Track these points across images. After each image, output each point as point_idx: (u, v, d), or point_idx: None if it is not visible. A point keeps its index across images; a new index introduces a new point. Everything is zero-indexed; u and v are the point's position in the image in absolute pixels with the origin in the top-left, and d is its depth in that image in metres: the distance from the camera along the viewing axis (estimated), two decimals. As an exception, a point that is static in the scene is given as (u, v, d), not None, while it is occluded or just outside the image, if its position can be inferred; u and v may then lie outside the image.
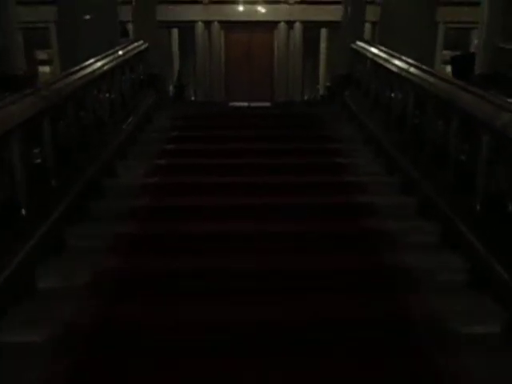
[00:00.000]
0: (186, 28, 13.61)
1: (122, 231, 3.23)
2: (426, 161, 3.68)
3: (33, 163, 2.87)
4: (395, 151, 4.37)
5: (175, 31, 13.76)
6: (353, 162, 4.59)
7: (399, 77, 4.45)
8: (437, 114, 3.54)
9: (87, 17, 8.48)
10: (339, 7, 9.94)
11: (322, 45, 13.93)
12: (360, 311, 2.51)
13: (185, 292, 2.64)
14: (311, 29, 13.66)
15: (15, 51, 6.54)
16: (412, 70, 4.21)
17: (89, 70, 4.11)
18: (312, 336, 2.34)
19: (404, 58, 4.61)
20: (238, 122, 6.22)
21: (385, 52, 5.28)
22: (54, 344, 2.26)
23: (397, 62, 4.65)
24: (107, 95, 4.57)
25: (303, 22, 13.61)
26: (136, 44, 6.20)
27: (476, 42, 11.86)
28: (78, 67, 4.11)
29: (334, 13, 11.58)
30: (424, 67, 4.08)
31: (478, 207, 2.79)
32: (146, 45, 6.44)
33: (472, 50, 11.72)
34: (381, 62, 5.13)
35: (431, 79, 3.74)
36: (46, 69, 11.66)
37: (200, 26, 13.69)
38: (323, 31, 13.84)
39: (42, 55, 11.88)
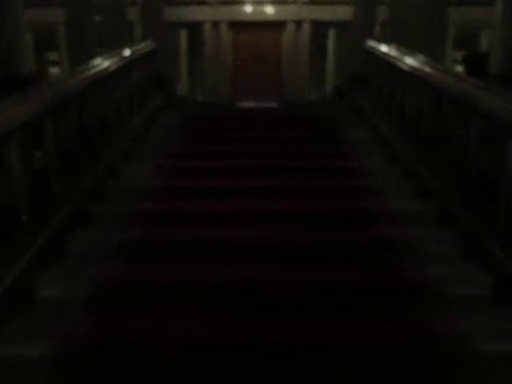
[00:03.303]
0: (194, 29, 13.54)
1: (124, 238, 3.10)
2: (443, 166, 3.52)
3: (33, 167, 2.76)
4: (411, 155, 4.21)
5: (183, 32, 13.70)
6: (366, 165, 4.44)
7: (414, 76, 4.29)
8: (456, 116, 3.38)
9: (97, 18, 8.47)
10: (347, 7, 9.84)
11: (330, 45, 13.80)
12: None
13: (185, 305, 2.50)
14: (319, 29, 13.54)
15: (22, 52, 6.48)
16: (427, 69, 4.05)
17: (94, 70, 4.00)
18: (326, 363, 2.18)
19: (418, 56, 4.45)
20: (247, 123, 6.11)
21: (398, 50, 5.13)
22: (51, 358, 2.14)
23: (411, 60, 4.49)
24: (113, 96, 4.46)
25: (311, 22, 13.50)
26: (143, 44, 6.11)
27: (485, 42, 11.73)
28: (83, 67, 4.01)
29: (342, 13, 11.47)
30: (441, 66, 3.92)
31: (503, 217, 2.63)
32: (154, 45, 6.34)
33: (481, 50, 11.56)
34: (394, 61, 4.97)
35: (449, 79, 3.58)
36: (56, 70, 11.71)
37: (208, 27, 13.62)
38: (331, 31, 13.70)
39: (52, 56, 11.95)
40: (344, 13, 11.14)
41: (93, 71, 3.94)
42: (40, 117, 2.85)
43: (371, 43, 6.18)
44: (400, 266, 2.81)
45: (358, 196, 3.74)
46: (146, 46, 6.08)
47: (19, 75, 5.91)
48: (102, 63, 4.22)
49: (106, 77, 4.19)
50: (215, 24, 13.41)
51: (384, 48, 5.59)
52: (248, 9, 13.16)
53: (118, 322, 2.41)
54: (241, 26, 13.31)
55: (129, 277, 2.75)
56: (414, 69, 4.31)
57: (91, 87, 3.80)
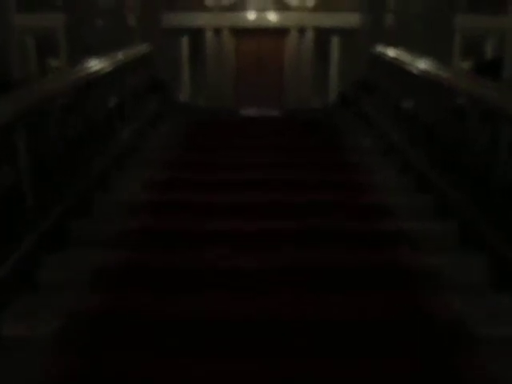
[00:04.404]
0: (197, 35, 13.36)
1: (107, 263, 2.75)
2: (464, 178, 3.17)
3: (3, 180, 2.42)
4: (426, 165, 3.85)
5: (185, 38, 13.54)
6: (376, 177, 4.09)
7: (429, 81, 3.95)
8: (479, 122, 3.04)
9: (100, 23, 8.29)
10: (351, 14, 9.63)
11: (334, 51, 13.59)
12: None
13: (170, 348, 2.13)
14: (322, 35, 13.35)
15: (12, 57, 6.25)
16: (445, 73, 3.72)
17: (80, 73, 3.68)
18: None
19: (432, 60, 4.13)
20: (249, 131, 5.81)
21: (410, 55, 4.81)
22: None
23: (425, 65, 4.17)
24: (103, 101, 4.14)
25: (314, 29, 13.30)
26: (138, 48, 5.82)
27: (490, 50, 11.48)
28: (71, 69, 3.71)
29: (346, 19, 11.25)
30: (459, 70, 3.59)
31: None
32: (149, 49, 6.05)
33: (487, 58, 11.33)
34: (405, 66, 4.65)
35: (471, 84, 3.24)
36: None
37: (210, 33, 13.42)
38: (335, 38, 13.52)
39: (54, 62, 11.77)
40: (348, 19, 10.91)
41: (79, 74, 3.62)
42: (12, 122, 2.52)
43: (380, 48, 5.88)
44: (420, 297, 2.45)
45: (368, 213, 3.38)
46: (140, 49, 5.79)
47: (6, 81, 5.62)
48: (90, 66, 3.91)
49: (94, 80, 3.87)
50: (217, 30, 13.23)
51: (394, 53, 5.28)
52: (250, 15, 12.97)
53: (97, 362, 2.05)
54: (243, 33, 13.12)
55: (112, 309, 2.40)
56: (428, 74, 3.97)
57: (76, 91, 3.48)
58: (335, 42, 13.49)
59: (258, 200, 3.53)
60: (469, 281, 2.60)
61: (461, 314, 2.29)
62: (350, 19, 10.49)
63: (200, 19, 12.89)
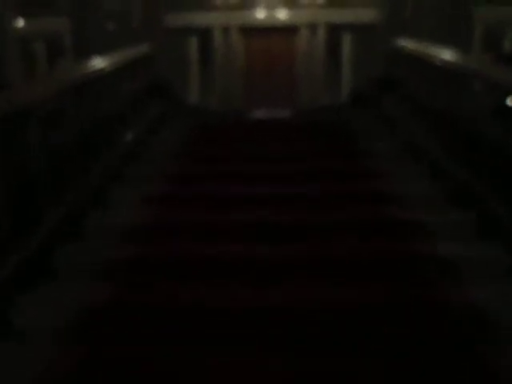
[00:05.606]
0: (205, 35, 13.04)
1: (94, 298, 2.33)
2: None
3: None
4: (463, 175, 3.35)
5: (194, 39, 13.23)
6: (403, 188, 3.61)
7: (466, 77, 3.46)
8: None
9: (105, 25, 8.03)
10: (364, 10, 9.20)
11: (346, 49, 13.14)
12: None
13: None
14: (334, 32, 12.92)
15: (8, 62, 5.93)
16: (486, 68, 3.23)
17: (66, 77, 3.28)
18: None
19: (460, 52, 3.64)
20: (258, 136, 5.37)
21: (434, 47, 4.33)
22: None
23: (449, 56, 3.67)
24: (96, 107, 3.73)
25: (326, 26, 12.87)
26: (139, 48, 5.42)
27: (508, 43, 10.92)
28: (59, 72, 3.31)
29: (358, 15, 10.84)
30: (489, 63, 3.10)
31: None
32: (149, 49, 5.65)
33: (505, 51, 10.80)
34: (431, 59, 4.16)
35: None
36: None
37: (219, 33, 13.06)
38: (347, 34, 13.08)
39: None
40: (360, 15, 10.50)
41: (64, 78, 3.21)
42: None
43: (403, 42, 5.39)
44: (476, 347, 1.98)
45: (397, 233, 2.91)
46: (140, 49, 5.38)
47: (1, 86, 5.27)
48: (82, 68, 3.51)
49: (86, 83, 3.46)
50: (226, 29, 12.90)
51: (418, 46, 4.79)
52: (259, 13, 12.61)
53: None
54: (252, 31, 12.77)
55: (94, 358, 1.99)
56: (466, 69, 3.47)
57: (63, 97, 3.07)
58: (348, 38, 13.04)
59: (266, 219, 3.10)
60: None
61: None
62: (362, 15, 10.06)
63: (208, 18, 12.54)
